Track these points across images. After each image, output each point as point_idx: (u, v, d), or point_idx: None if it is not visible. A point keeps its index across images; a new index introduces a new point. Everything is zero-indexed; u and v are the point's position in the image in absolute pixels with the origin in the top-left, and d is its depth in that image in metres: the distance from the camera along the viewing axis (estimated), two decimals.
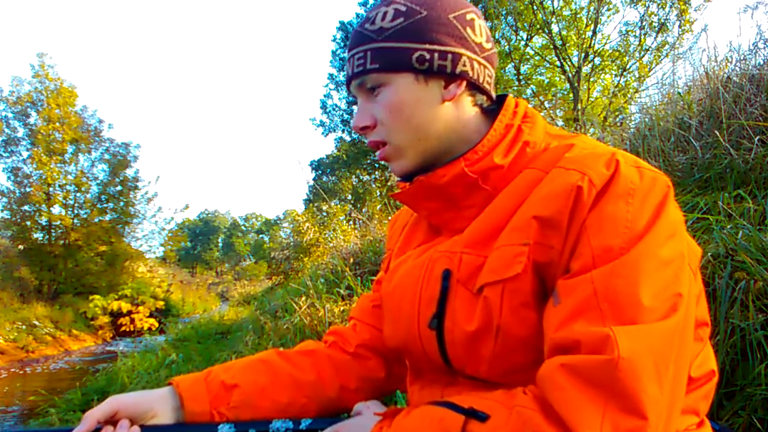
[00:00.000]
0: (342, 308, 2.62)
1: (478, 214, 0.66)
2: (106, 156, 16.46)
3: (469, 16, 0.68)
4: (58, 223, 14.83)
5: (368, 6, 18.82)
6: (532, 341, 0.58)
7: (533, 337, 0.58)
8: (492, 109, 0.70)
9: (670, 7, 12.83)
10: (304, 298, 2.98)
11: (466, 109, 0.68)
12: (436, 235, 0.73)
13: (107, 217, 16.04)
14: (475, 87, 0.68)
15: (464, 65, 0.66)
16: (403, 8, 0.66)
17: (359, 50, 0.67)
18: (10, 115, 14.68)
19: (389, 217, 6.09)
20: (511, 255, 0.59)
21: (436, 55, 0.65)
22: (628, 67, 13.68)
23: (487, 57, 0.69)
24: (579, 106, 12.53)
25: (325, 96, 19.59)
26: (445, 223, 0.70)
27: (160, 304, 15.78)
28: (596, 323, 0.50)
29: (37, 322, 11.43)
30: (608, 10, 13.71)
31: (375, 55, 0.66)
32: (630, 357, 0.47)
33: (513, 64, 16.14)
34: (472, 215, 0.66)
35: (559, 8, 13.79)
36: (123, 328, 13.56)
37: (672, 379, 0.50)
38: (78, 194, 15.61)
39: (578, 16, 13.74)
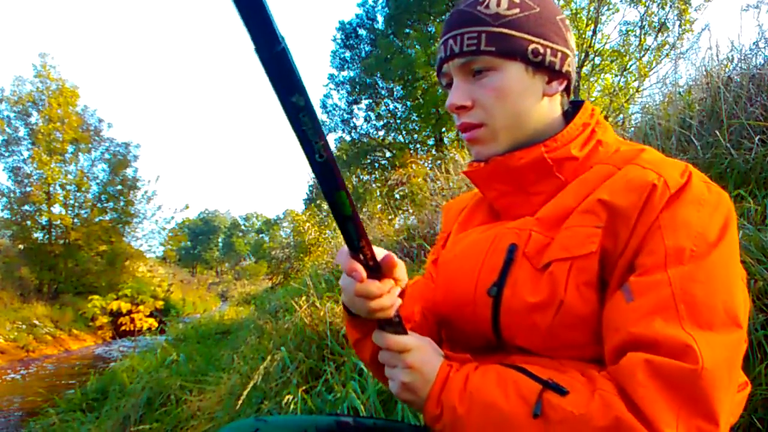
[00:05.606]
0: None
1: (545, 202, 0.68)
2: (107, 156, 16.47)
3: (567, 22, 0.73)
4: (58, 222, 14.83)
5: (367, 6, 18.81)
6: (590, 321, 0.59)
7: (591, 317, 0.59)
8: (567, 111, 0.74)
9: (671, 6, 12.81)
10: (304, 298, 2.98)
11: (556, 107, 0.72)
12: (496, 219, 0.75)
13: (107, 217, 16.05)
14: (567, 88, 0.73)
15: (569, 65, 0.71)
16: (517, 0, 0.68)
17: (472, 30, 0.68)
18: (11, 114, 14.69)
19: (389, 217, 6.07)
20: (584, 235, 0.61)
21: (548, 50, 0.68)
22: (628, 66, 13.67)
23: (575, 62, 0.74)
24: None
25: (325, 96, 19.58)
26: (509, 207, 0.72)
27: (160, 303, 15.77)
28: (674, 324, 0.52)
29: (37, 322, 11.43)
30: (608, 9, 13.70)
31: (491, 38, 0.67)
32: (712, 368, 0.50)
33: None
34: (540, 202, 0.69)
35: (559, 8, 13.78)
36: (123, 328, 13.55)
37: (734, 387, 0.55)
38: (78, 194, 15.61)
39: (578, 15, 13.73)
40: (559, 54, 0.69)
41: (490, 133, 0.70)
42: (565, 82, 0.72)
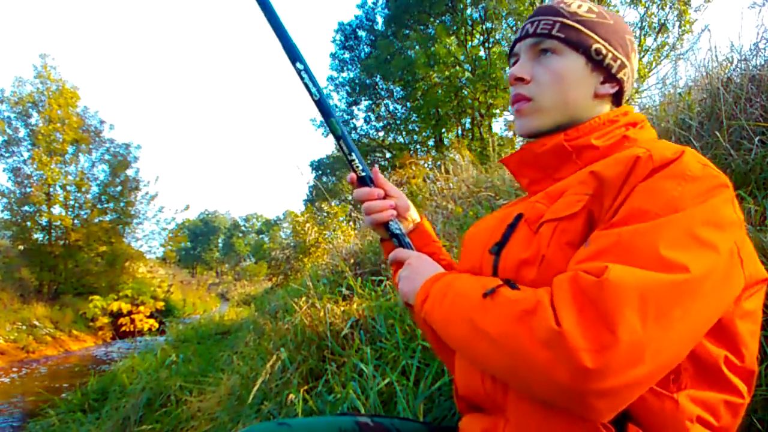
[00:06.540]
0: (342, 309, 2.62)
1: None
2: (107, 156, 16.45)
3: (635, 45, 0.80)
4: (58, 223, 14.82)
5: (366, 7, 18.85)
6: None
7: None
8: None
9: (670, 7, 12.83)
10: (304, 299, 2.98)
11: (603, 109, 0.78)
12: None
13: (107, 218, 16.03)
14: (619, 97, 0.80)
15: (625, 74, 0.78)
16: (596, 9, 0.78)
17: (550, 18, 0.77)
18: (11, 115, 14.68)
19: None
20: (573, 201, 0.67)
21: (610, 54, 0.76)
22: None
23: (632, 82, 0.81)
24: None
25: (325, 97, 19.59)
26: (538, 192, 0.78)
27: (160, 304, 15.77)
28: (606, 261, 0.56)
29: (37, 323, 11.42)
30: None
31: (563, 28, 0.76)
32: (615, 282, 0.52)
33: None
34: None
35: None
36: (123, 329, 13.54)
37: (665, 330, 0.52)
38: (78, 195, 15.59)
39: None
40: (619, 61, 0.77)
41: (536, 109, 0.77)
42: (617, 87, 0.78)
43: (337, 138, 0.90)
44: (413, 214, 0.96)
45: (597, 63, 0.76)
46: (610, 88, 0.77)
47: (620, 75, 0.77)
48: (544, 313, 0.55)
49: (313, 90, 0.88)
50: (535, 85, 0.77)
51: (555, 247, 0.65)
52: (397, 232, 0.90)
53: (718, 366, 0.61)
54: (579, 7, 0.77)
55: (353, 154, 0.90)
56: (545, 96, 0.76)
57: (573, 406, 0.53)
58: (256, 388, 2.31)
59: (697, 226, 0.56)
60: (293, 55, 0.89)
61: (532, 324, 0.55)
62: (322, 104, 0.89)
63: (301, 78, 0.88)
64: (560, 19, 0.76)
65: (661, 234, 0.55)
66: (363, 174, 0.91)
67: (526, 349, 0.55)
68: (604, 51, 0.75)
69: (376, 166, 0.93)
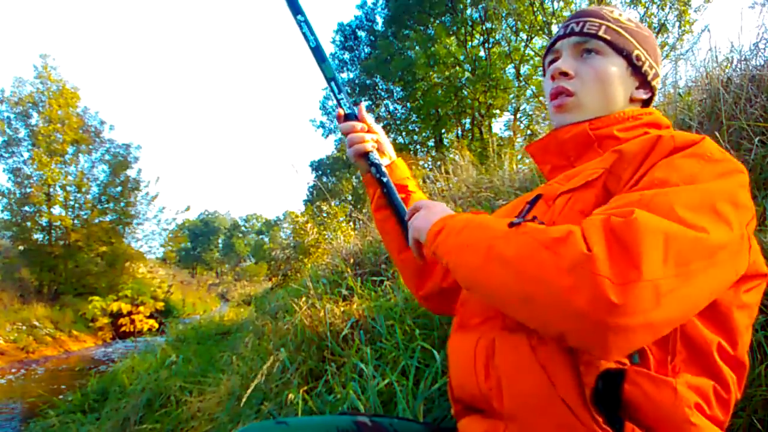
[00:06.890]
0: (342, 309, 2.62)
1: None
2: (107, 157, 16.47)
3: (662, 58, 0.86)
4: (58, 223, 14.83)
5: (366, 8, 18.88)
6: None
7: None
8: None
9: (670, 7, 12.83)
10: (304, 299, 2.98)
11: (633, 112, 0.81)
12: None
13: (107, 218, 16.04)
14: (648, 104, 0.85)
15: (656, 83, 0.85)
16: (635, 20, 0.85)
17: (596, 20, 0.82)
18: (11, 115, 14.69)
19: None
20: (589, 173, 0.70)
21: (648, 62, 0.82)
22: None
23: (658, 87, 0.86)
24: None
25: (325, 97, 19.60)
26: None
27: (160, 304, 15.78)
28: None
29: (37, 323, 11.43)
30: None
31: (609, 31, 0.81)
32: (642, 222, 0.53)
33: (513, 65, 16.13)
34: None
35: (559, 9, 13.80)
36: (123, 329, 13.55)
37: (682, 279, 0.52)
38: (78, 195, 15.62)
39: None
40: (654, 70, 0.83)
41: (578, 105, 0.81)
42: (650, 94, 0.84)
43: (329, 80, 1.02)
44: (390, 151, 1.07)
45: (636, 68, 0.81)
46: (644, 94, 0.83)
47: (653, 83, 0.83)
48: (576, 241, 0.54)
49: (311, 38, 1.00)
50: (579, 81, 0.80)
51: (567, 214, 0.68)
52: (377, 162, 1.01)
53: (711, 352, 0.61)
54: (620, 15, 0.83)
55: (342, 93, 1.03)
56: (588, 93, 0.80)
57: (586, 338, 0.52)
58: (250, 389, 2.30)
59: (717, 200, 0.57)
60: (295, 7, 1.01)
61: (560, 250, 0.54)
62: (318, 50, 1.01)
63: (301, 28, 1.01)
64: (605, 22, 0.81)
65: (681, 197, 0.56)
66: (349, 111, 1.03)
67: (547, 275, 0.54)
68: (643, 58, 0.81)
69: (363, 103, 1.06)
